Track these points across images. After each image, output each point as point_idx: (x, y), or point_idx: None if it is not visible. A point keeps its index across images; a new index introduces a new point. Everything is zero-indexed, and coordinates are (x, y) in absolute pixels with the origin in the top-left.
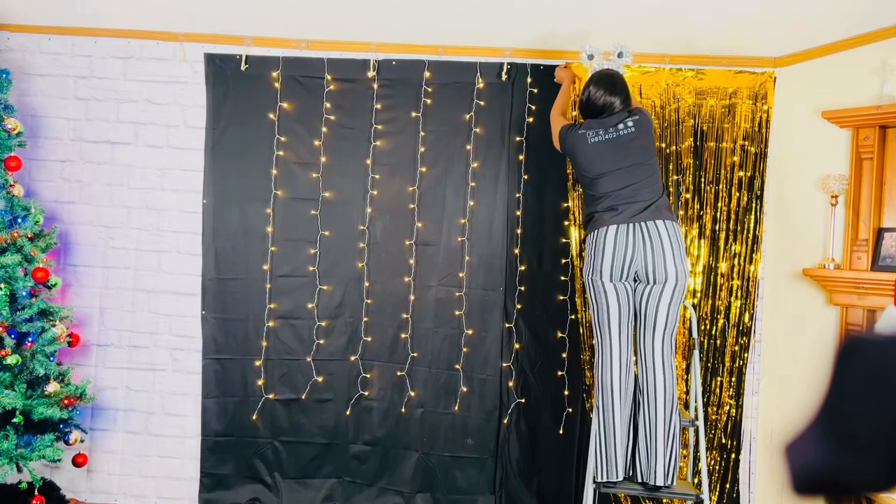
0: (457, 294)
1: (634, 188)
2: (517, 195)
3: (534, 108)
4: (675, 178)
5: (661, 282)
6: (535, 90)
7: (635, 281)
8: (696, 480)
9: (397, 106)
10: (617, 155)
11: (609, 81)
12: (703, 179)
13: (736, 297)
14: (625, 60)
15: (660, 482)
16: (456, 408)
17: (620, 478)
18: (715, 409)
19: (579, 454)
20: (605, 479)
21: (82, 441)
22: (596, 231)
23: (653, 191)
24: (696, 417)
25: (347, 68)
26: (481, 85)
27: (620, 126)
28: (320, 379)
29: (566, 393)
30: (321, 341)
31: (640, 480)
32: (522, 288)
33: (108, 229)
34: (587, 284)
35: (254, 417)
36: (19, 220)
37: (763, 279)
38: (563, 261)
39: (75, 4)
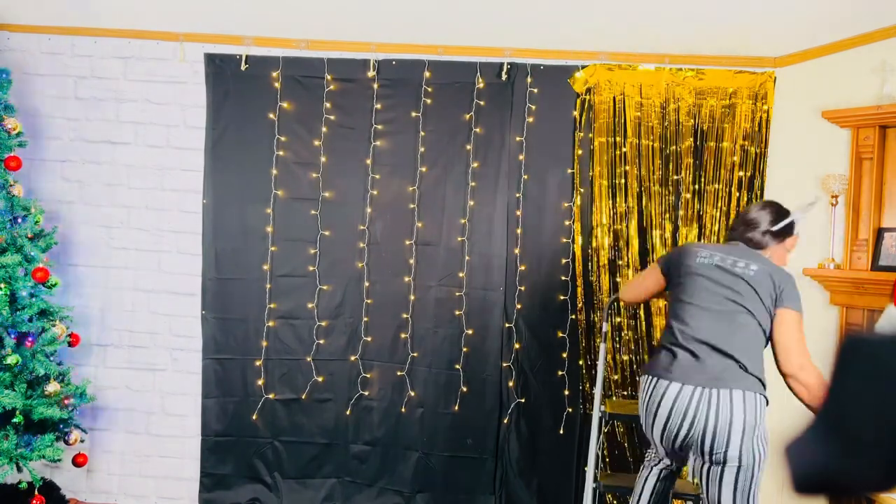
0: (457, 294)
1: (724, 339)
2: (517, 195)
3: (534, 108)
4: (674, 178)
5: (720, 461)
6: (535, 90)
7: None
8: (695, 481)
9: (397, 106)
10: (722, 288)
11: (774, 206)
12: (703, 179)
13: None
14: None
15: None
16: (456, 408)
17: None
18: None
19: (579, 454)
20: None
21: (82, 441)
22: (651, 378)
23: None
24: None
25: (347, 68)
26: (481, 85)
27: (741, 265)
28: (320, 379)
29: (566, 393)
30: (321, 341)
31: None
32: (522, 288)
33: (108, 229)
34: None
35: (254, 417)
36: (19, 220)
37: None
38: (564, 261)
39: (75, 4)
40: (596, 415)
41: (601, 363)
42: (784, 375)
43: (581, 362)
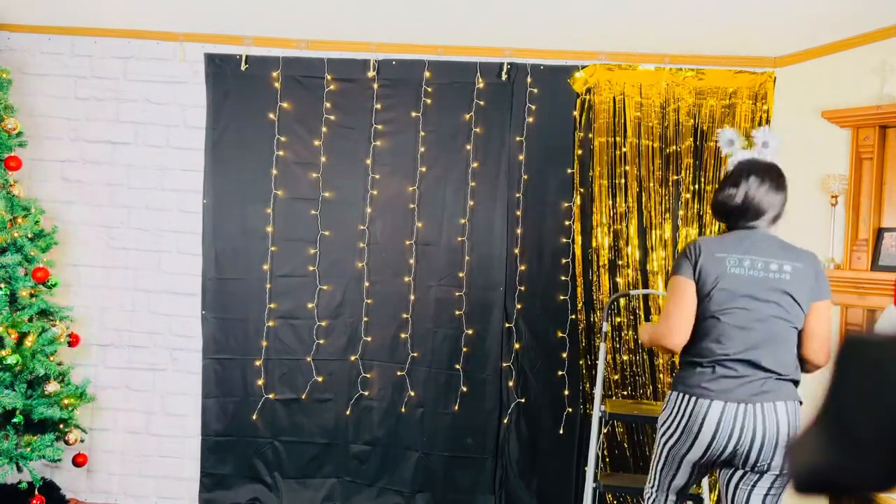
0: (457, 294)
1: (763, 356)
2: (517, 195)
3: (534, 108)
4: (674, 178)
5: (761, 471)
6: (535, 90)
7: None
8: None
9: (397, 106)
10: (759, 300)
11: (775, 174)
12: (703, 179)
13: None
14: (770, 151)
15: None
16: (456, 408)
17: None
18: None
19: (579, 454)
20: None
21: (82, 441)
22: (690, 399)
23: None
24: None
25: (347, 68)
26: (481, 85)
27: (774, 267)
28: (320, 379)
29: (566, 393)
30: (321, 341)
31: None
32: (522, 288)
33: (108, 229)
34: (659, 446)
35: (254, 417)
36: (19, 220)
37: None
38: (564, 261)
39: (75, 4)
40: (596, 414)
41: (601, 363)
42: (811, 363)
43: (581, 362)
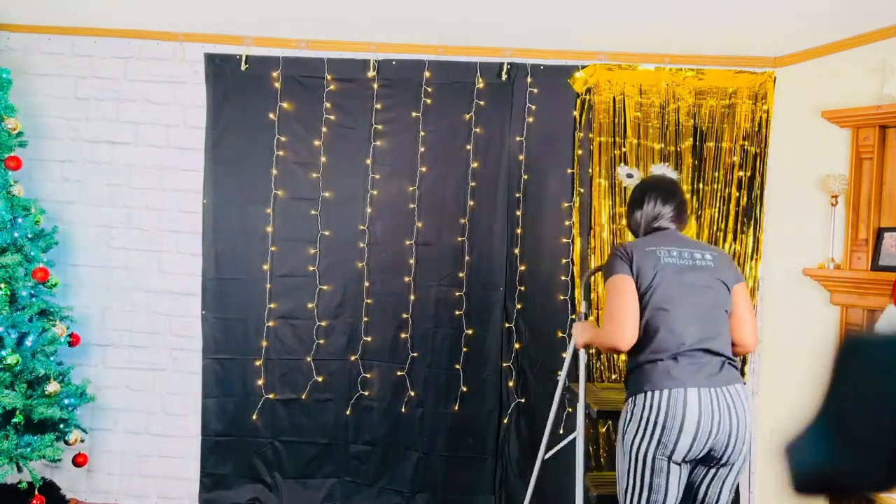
0: (457, 294)
1: (710, 340)
2: (517, 195)
3: (534, 108)
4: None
5: (733, 461)
6: (535, 90)
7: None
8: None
9: (397, 106)
10: (696, 288)
11: (668, 183)
12: (703, 180)
13: None
14: (635, 180)
15: None
16: (456, 408)
17: None
18: None
19: None
20: None
21: (82, 441)
22: (663, 392)
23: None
24: None
25: (347, 68)
26: (481, 85)
27: (698, 255)
28: (320, 379)
29: (566, 393)
30: (321, 341)
31: None
32: (522, 288)
33: (108, 229)
34: (638, 460)
35: (254, 417)
36: (19, 220)
37: (763, 279)
38: (564, 261)
39: (75, 4)
40: (581, 412)
41: (582, 354)
42: (742, 347)
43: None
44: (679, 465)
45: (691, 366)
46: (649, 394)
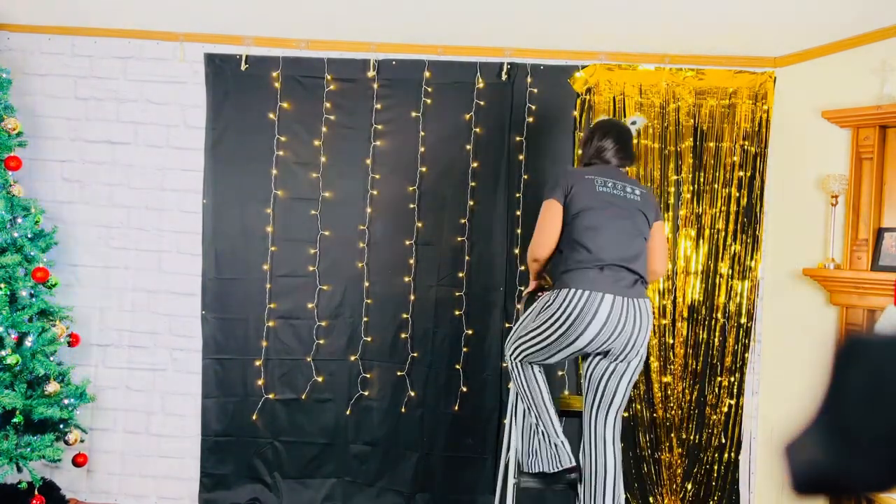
0: (457, 294)
1: (629, 259)
2: (517, 195)
3: (534, 108)
4: (674, 178)
5: (630, 359)
6: (535, 90)
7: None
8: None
9: (397, 106)
10: (623, 214)
11: (625, 131)
12: (703, 179)
13: (736, 297)
14: (635, 127)
15: None
16: (456, 408)
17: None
18: (715, 409)
19: None
20: (560, 468)
21: (82, 441)
22: (584, 292)
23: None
24: None
25: (347, 68)
26: (481, 85)
27: (629, 190)
28: (320, 379)
29: (566, 393)
30: (321, 341)
31: None
32: (522, 288)
33: (108, 229)
34: (545, 334)
35: (254, 417)
36: (19, 220)
37: (763, 279)
38: None
39: (75, 4)
40: (512, 397)
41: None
42: (655, 272)
43: (581, 362)
44: (570, 354)
45: (610, 277)
46: (571, 291)
